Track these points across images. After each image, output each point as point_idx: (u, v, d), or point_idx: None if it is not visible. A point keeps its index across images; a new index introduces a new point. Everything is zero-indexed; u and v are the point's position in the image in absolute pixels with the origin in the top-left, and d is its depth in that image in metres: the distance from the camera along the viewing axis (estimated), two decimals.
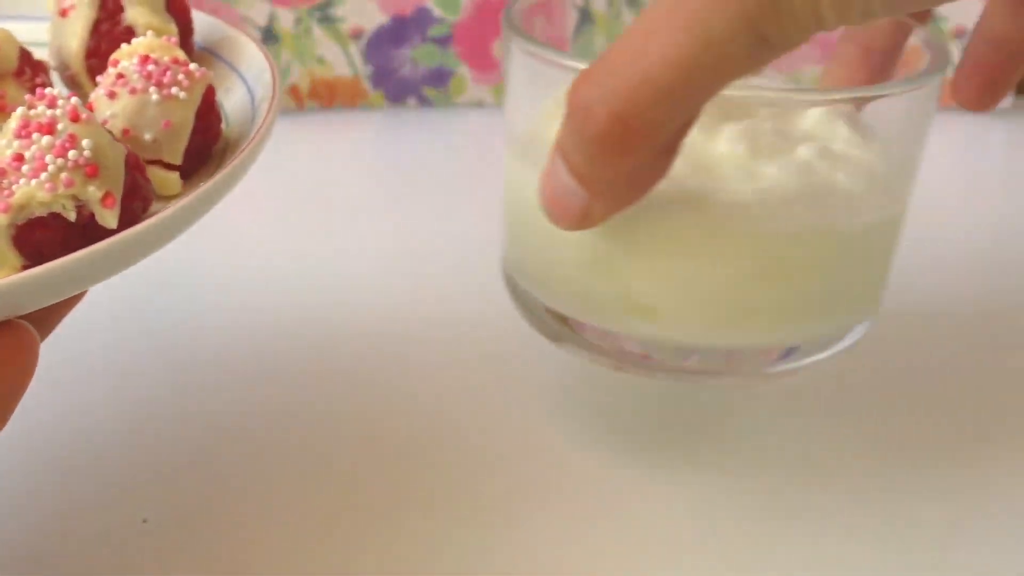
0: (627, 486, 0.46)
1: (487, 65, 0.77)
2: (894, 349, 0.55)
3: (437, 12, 0.75)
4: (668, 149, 0.36)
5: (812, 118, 0.44)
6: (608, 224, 0.41)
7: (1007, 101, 0.76)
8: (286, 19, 0.75)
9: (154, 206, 0.39)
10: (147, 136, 0.41)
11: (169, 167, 0.41)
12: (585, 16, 0.63)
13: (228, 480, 0.47)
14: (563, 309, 0.46)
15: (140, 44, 0.42)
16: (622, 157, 0.35)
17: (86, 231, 0.37)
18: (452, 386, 0.52)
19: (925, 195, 0.66)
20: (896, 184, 0.45)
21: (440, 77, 0.78)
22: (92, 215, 0.37)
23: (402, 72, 0.76)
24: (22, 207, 0.36)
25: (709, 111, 0.38)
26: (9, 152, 0.37)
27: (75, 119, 0.37)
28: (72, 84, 0.46)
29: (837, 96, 0.43)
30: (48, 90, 0.38)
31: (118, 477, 0.47)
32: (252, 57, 0.46)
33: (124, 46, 0.43)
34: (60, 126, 0.37)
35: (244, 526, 0.45)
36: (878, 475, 0.47)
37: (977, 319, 0.58)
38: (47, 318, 0.39)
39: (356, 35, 0.76)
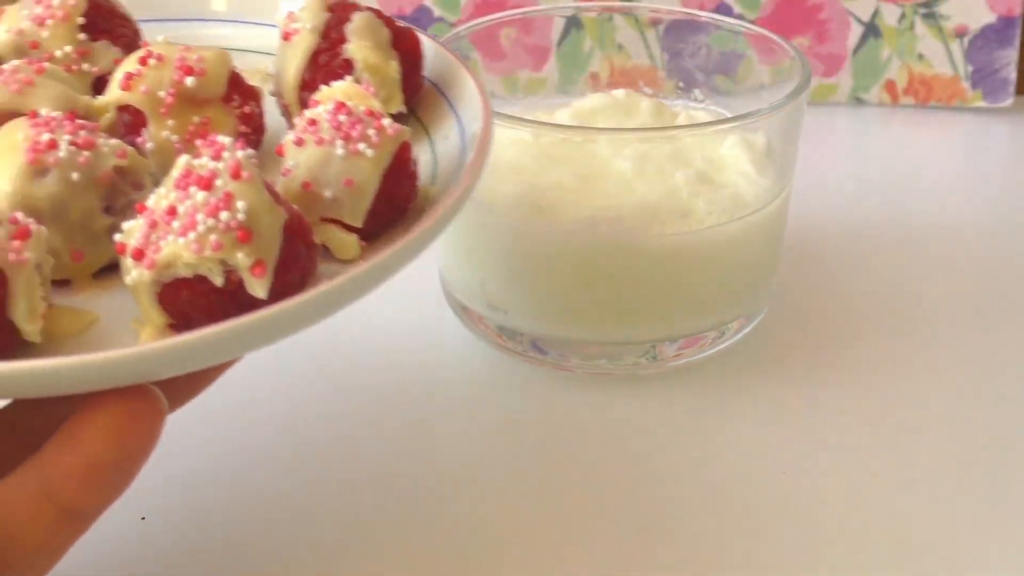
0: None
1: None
2: (890, 344, 0.55)
3: (437, 11, 0.75)
4: None
5: (710, 146, 0.51)
6: (469, 225, 0.51)
7: (1008, 100, 0.76)
8: None
9: (330, 268, 0.36)
10: (327, 193, 0.37)
11: (348, 228, 0.38)
12: (573, 23, 0.63)
13: (225, 478, 0.47)
14: (463, 300, 0.54)
15: (338, 89, 0.39)
16: None
17: (235, 296, 0.34)
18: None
19: (926, 195, 0.66)
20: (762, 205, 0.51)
21: None
22: (242, 280, 0.34)
23: None
24: (167, 265, 0.34)
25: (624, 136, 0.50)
26: (165, 203, 0.34)
27: (236, 176, 0.34)
28: (286, 114, 0.43)
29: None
30: (220, 138, 0.35)
31: None
32: (470, 100, 0.41)
33: (324, 88, 0.39)
34: (219, 182, 0.34)
35: (240, 524, 0.45)
36: None
37: (978, 317, 0.58)
38: (188, 385, 0.37)
39: None
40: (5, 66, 0.40)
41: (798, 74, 0.51)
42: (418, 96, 0.43)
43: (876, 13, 0.74)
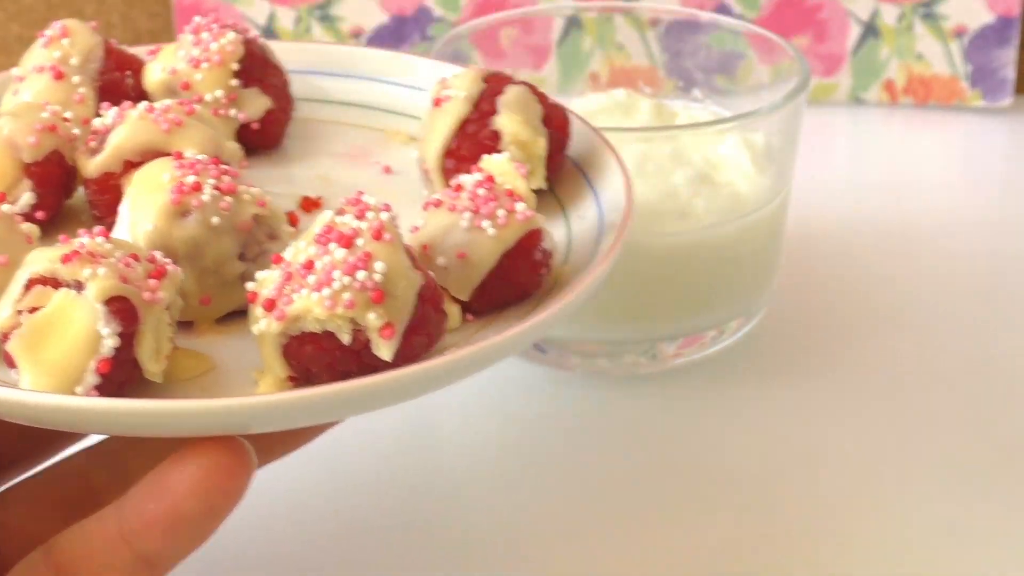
0: None
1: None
2: (889, 343, 0.55)
3: (437, 11, 0.75)
4: None
5: (710, 145, 0.51)
6: None
7: (1007, 100, 0.76)
8: (286, 18, 0.75)
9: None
10: (440, 260, 0.37)
11: (453, 300, 0.37)
12: (573, 23, 0.63)
13: None
14: None
15: (493, 163, 0.39)
16: None
17: (360, 356, 0.34)
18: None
19: (925, 194, 0.66)
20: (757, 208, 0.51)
21: None
22: (369, 340, 0.34)
23: None
24: (297, 319, 0.33)
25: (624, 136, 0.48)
26: (302, 257, 0.34)
27: (377, 237, 0.34)
28: (426, 179, 0.43)
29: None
30: (366, 197, 0.35)
31: None
32: (612, 182, 0.41)
33: (486, 158, 0.40)
34: (359, 241, 0.34)
35: (241, 523, 0.45)
36: None
37: (978, 316, 0.58)
38: (283, 440, 0.38)
39: (356, 34, 0.75)
40: (157, 105, 0.40)
41: (797, 74, 0.51)
42: (560, 174, 0.43)
43: (875, 13, 0.74)
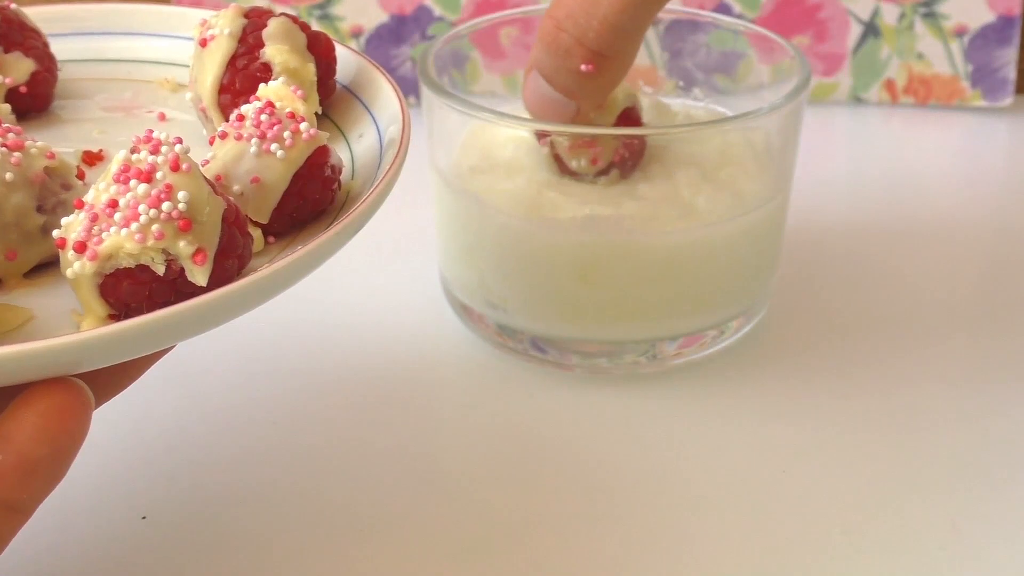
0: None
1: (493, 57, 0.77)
2: (890, 342, 0.55)
3: (437, 11, 0.75)
4: (631, 58, 0.47)
5: (710, 143, 0.51)
6: (469, 223, 0.52)
7: (1007, 99, 0.76)
8: None
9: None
10: (235, 187, 0.39)
11: (254, 223, 0.39)
12: None
13: (226, 477, 0.47)
14: (463, 298, 0.54)
15: (271, 90, 0.41)
16: (602, 78, 0.47)
17: (175, 285, 0.35)
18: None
19: (925, 194, 0.66)
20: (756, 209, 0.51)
21: None
22: (182, 269, 0.35)
23: (402, 71, 0.76)
24: (109, 256, 0.35)
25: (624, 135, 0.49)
26: (105, 197, 0.35)
27: (175, 168, 0.35)
28: (204, 118, 0.44)
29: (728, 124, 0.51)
30: (156, 133, 0.36)
31: (118, 474, 0.47)
32: (387, 102, 0.43)
33: (263, 87, 0.41)
34: (159, 175, 0.35)
35: (242, 523, 0.45)
36: None
37: (978, 316, 0.58)
38: (115, 379, 0.38)
39: (356, 33, 0.76)
40: None
41: (798, 73, 0.51)
42: (331, 99, 0.45)
43: (876, 12, 0.74)
